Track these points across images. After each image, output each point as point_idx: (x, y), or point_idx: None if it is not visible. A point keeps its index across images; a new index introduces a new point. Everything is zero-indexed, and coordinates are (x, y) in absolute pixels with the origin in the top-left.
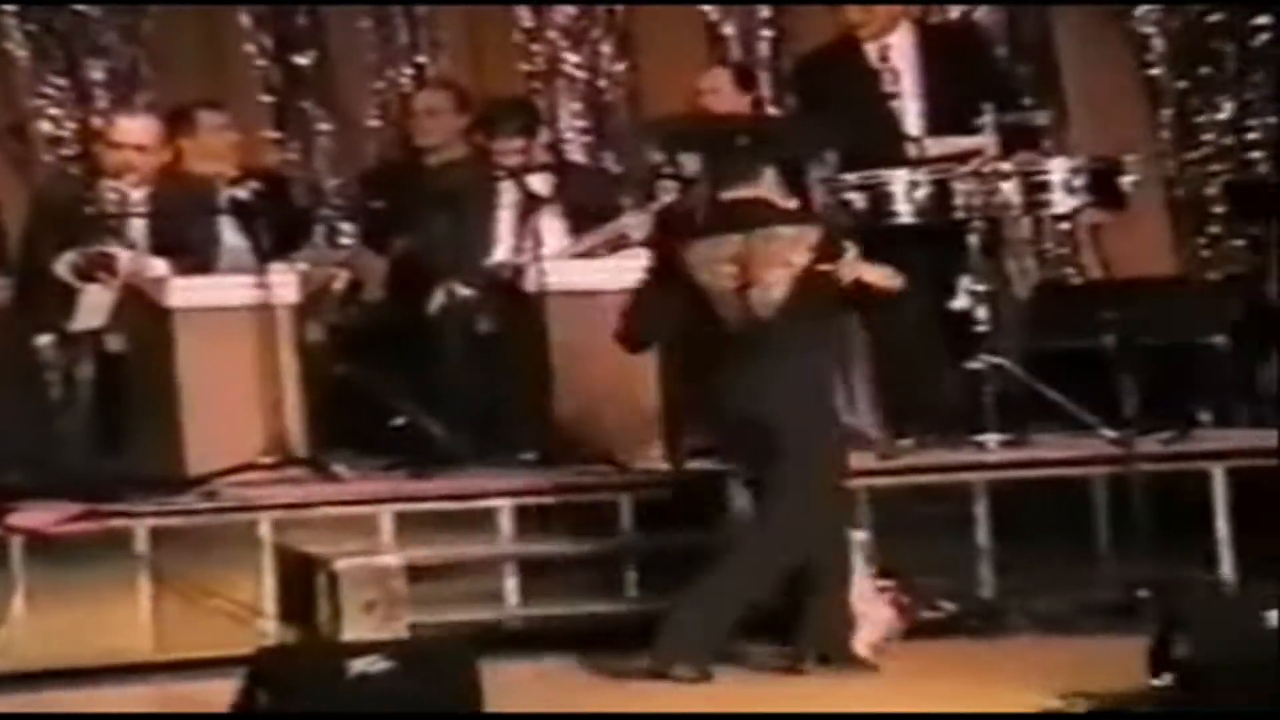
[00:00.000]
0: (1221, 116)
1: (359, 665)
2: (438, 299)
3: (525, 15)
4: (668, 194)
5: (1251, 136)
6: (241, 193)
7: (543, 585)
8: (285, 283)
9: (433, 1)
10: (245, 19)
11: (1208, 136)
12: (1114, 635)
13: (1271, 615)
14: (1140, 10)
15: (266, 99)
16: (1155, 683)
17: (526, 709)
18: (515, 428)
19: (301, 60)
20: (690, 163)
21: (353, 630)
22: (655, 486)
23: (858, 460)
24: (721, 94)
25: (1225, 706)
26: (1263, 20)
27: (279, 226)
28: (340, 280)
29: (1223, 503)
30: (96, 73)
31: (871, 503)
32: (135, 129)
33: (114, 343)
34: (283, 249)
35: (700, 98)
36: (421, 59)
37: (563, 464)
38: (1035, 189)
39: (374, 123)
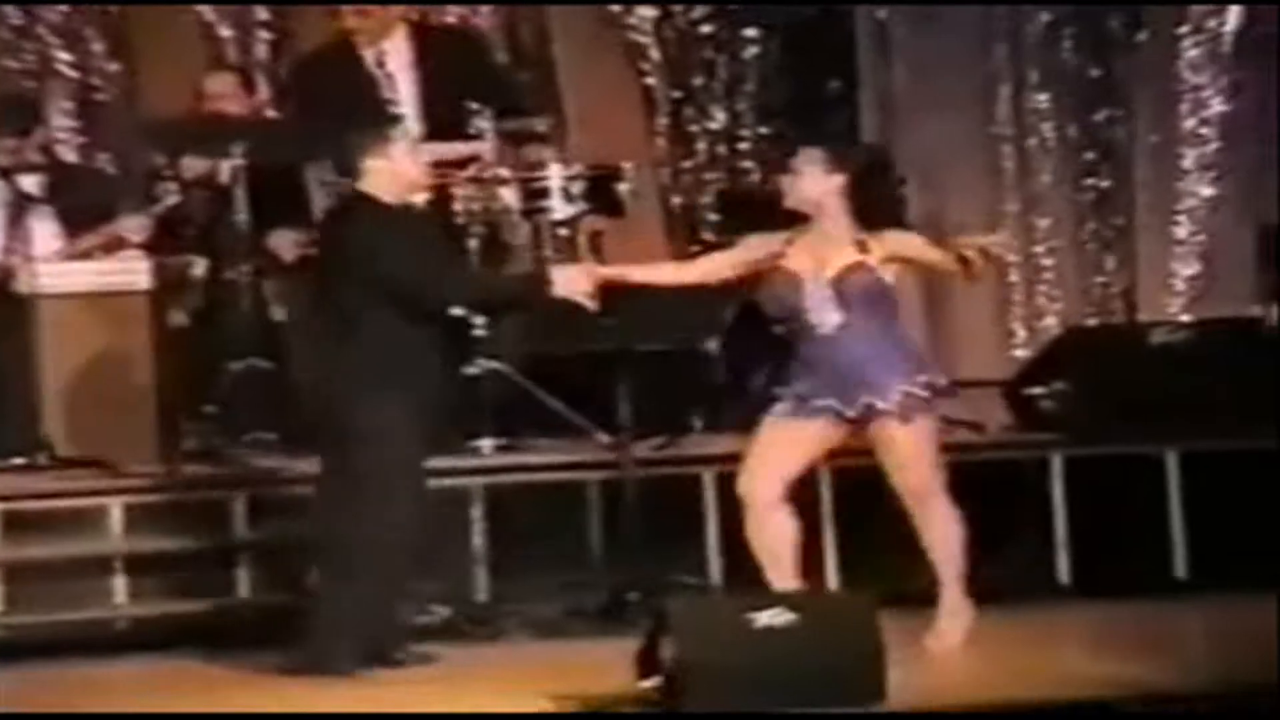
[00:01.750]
0: (714, 126)
1: None
2: None
3: (13, 13)
4: (169, 196)
5: (742, 146)
6: None
7: (27, 592)
8: None
9: None
10: None
11: (701, 145)
12: (604, 638)
13: (756, 617)
14: (636, 19)
15: None
16: (643, 684)
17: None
18: (3, 431)
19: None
20: (192, 165)
21: None
22: (149, 491)
23: None
24: (227, 97)
25: (710, 707)
26: (752, 33)
27: None
28: None
29: (712, 507)
30: None
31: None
32: None
33: None
34: None
35: (204, 101)
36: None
37: (52, 468)
38: (534, 195)
39: None
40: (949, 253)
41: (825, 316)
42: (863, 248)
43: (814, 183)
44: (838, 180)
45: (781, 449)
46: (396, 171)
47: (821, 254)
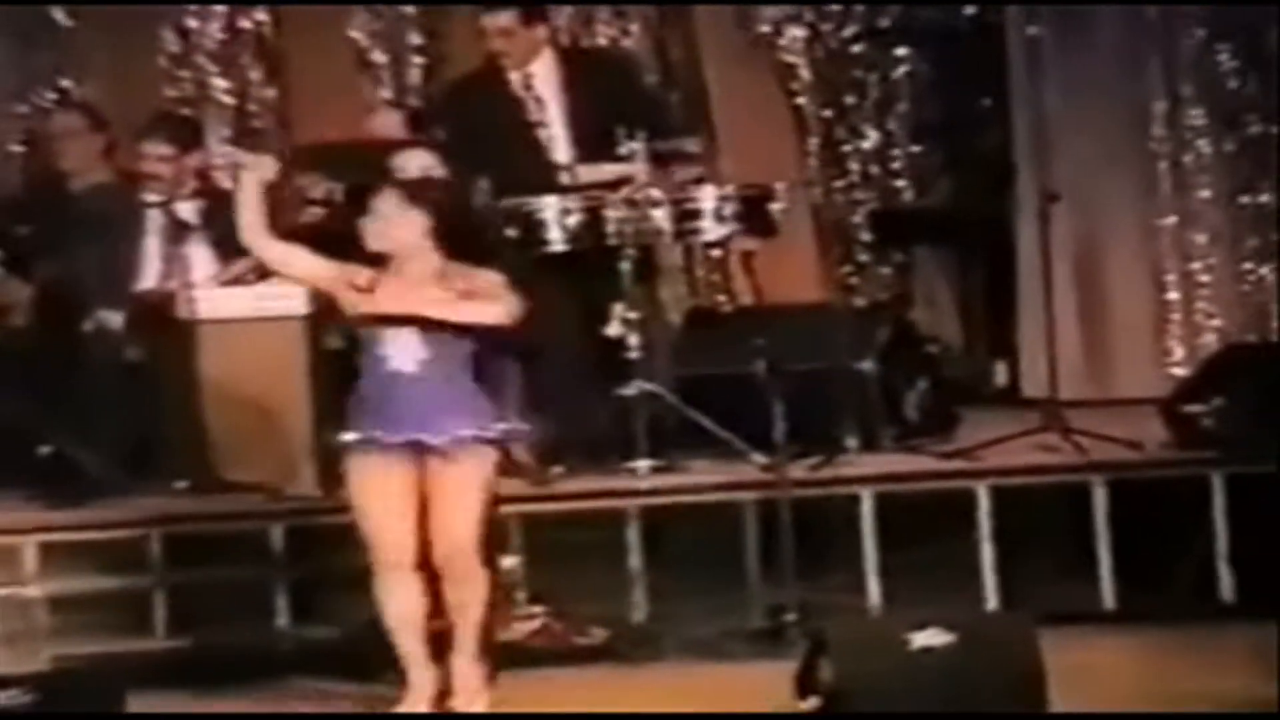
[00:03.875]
0: (866, 145)
1: None
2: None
3: (171, 40)
4: (306, 218)
5: (894, 165)
6: None
7: (192, 615)
8: None
9: (81, 1)
10: None
11: (853, 165)
12: (762, 659)
13: (914, 637)
14: (786, 40)
15: None
16: (802, 706)
17: None
18: (166, 456)
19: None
20: (336, 190)
21: None
22: (307, 514)
23: (510, 487)
24: (392, 134)
25: None
26: (903, 52)
27: None
28: None
29: (869, 526)
30: None
31: (523, 529)
32: None
33: None
34: None
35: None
36: (65, 82)
37: (214, 492)
38: (686, 216)
39: (16, 147)
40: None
41: (404, 355)
42: (444, 285)
43: (392, 225)
44: (417, 219)
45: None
46: None
47: (402, 293)
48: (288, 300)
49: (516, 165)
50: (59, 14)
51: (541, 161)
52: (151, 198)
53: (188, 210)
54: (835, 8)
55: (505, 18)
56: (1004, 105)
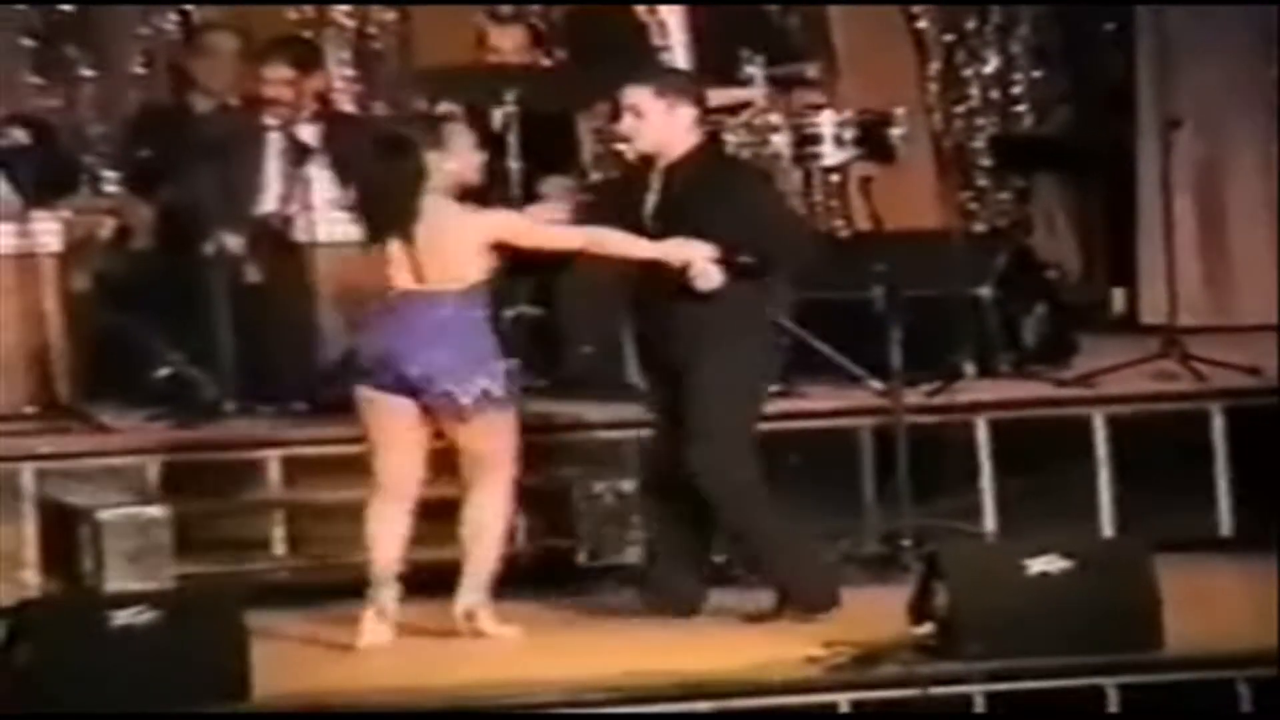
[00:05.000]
0: (987, 70)
1: (123, 616)
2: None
3: None
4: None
5: (1015, 90)
6: (3, 139)
7: (311, 535)
8: (49, 230)
9: None
10: None
11: (973, 90)
12: (877, 585)
13: (1030, 564)
14: None
15: (28, 44)
16: (916, 631)
17: (293, 659)
18: (284, 378)
19: (64, 5)
20: (456, 112)
21: (116, 581)
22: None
23: (626, 411)
24: (514, 52)
25: (984, 654)
26: None
27: (43, 173)
28: (106, 228)
29: (986, 452)
30: None
31: (640, 453)
32: None
33: None
34: (47, 196)
35: (487, 53)
36: (187, 6)
37: (332, 414)
38: (805, 141)
39: (138, 69)
40: None
41: None
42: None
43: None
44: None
45: None
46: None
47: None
48: None
49: None
50: None
51: None
52: (272, 121)
53: (308, 133)
54: None
55: None
56: (1127, 30)
